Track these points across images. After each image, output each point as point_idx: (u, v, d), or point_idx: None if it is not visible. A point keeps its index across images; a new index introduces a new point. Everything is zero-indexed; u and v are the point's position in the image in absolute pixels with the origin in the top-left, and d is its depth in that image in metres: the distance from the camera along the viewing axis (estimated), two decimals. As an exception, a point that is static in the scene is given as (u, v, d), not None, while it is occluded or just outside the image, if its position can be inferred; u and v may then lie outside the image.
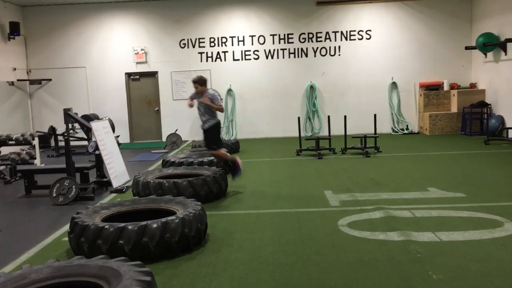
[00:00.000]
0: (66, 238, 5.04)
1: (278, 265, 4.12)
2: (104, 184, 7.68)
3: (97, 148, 8.81)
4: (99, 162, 7.82)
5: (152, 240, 4.24)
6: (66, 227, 5.51)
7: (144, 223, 4.31)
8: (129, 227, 4.26)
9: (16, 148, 11.04)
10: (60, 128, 12.48)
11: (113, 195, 7.21)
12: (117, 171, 7.89)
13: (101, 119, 8.59)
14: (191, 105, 7.08)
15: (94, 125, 7.73)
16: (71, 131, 12.48)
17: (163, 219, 4.39)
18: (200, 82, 6.91)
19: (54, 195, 6.74)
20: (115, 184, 7.56)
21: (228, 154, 7.20)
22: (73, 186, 6.79)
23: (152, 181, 6.30)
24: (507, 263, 3.96)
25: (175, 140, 12.45)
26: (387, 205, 5.81)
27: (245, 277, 3.90)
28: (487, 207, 5.62)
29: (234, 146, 11.12)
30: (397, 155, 9.85)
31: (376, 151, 10.20)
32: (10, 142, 9.46)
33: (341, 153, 10.25)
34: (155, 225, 4.29)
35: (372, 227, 5.02)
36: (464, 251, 4.25)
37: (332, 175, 8.04)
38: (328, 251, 4.42)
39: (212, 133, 6.99)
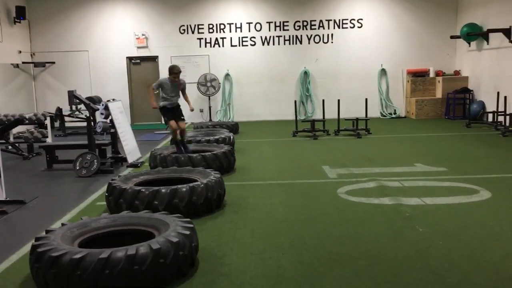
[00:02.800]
0: (100, 203, 5.75)
1: (290, 221, 4.88)
2: (119, 159, 8.33)
3: (104, 129, 9.45)
4: (114, 139, 8.46)
5: (181, 201, 4.96)
6: (96, 194, 6.24)
7: (174, 187, 5.02)
8: (162, 190, 4.97)
9: (23, 128, 11.61)
10: (66, 109, 13.05)
11: (130, 169, 7.88)
12: (131, 148, 8.55)
13: (114, 100, 9.16)
14: (154, 107, 7.72)
15: (110, 105, 8.34)
16: (76, 112, 13.07)
17: (191, 184, 5.11)
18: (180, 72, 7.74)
19: (77, 168, 7.39)
20: (130, 159, 8.23)
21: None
22: (95, 160, 7.45)
23: (168, 155, 6.99)
24: (480, 219, 4.77)
25: (176, 121, 13.04)
26: (379, 177, 6.59)
27: (263, 230, 4.64)
28: (466, 178, 6.44)
29: (234, 128, 11.80)
30: (386, 137, 10.66)
31: (367, 132, 10.99)
32: (25, 122, 9.97)
33: (335, 134, 11.02)
34: (184, 189, 5.01)
35: (367, 194, 5.80)
36: (445, 211, 5.05)
37: (328, 153, 8.81)
38: (331, 211, 5.18)
39: (179, 108, 7.82)
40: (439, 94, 14.00)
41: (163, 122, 13.99)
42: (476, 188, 5.92)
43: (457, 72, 14.14)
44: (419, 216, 4.90)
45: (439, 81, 13.99)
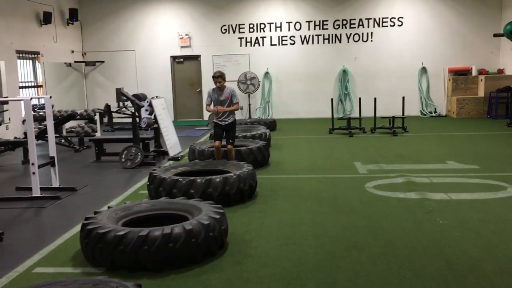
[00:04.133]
0: (142, 191, 6.25)
1: (315, 213, 5.17)
2: (161, 153, 8.87)
3: (148, 124, 10.01)
4: (157, 134, 9.00)
5: (215, 191, 5.35)
6: (139, 184, 6.75)
7: (209, 177, 5.43)
8: (198, 180, 5.38)
9: (74, 123, 12.40)
10: (114, 106, 13.80)
11: (170, 162, 8.38)
12: (172, 142, 9.06)
13: (157, 97, 9.71)
14: (217, 112, 7.03)
15: (153, 102, 8.88)
16: (123, 109, 13.80)
17: (224, 175, 5.50)
18: (223, 77, 6.92)
19: (123, 160, 7.97)
20: (171, 153, 8.74)
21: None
22: (139, 153, 8.00)
23: (206, 149, 7.43)
24: (502, 214, 4.89)
25: (216, 118, 13.55)
26: (409, 173, 6.75)
27: (290, 220, 4.96)
28: (496, 176, 6.49)
29: (271, 125, 12.14)
30: (423, 135, 10.69)
31: (403, 131, 11.05)
32: (77, 117, 10.74)
33: (371, 132, 11.15)
34: (218, 179, 5.40)
35: (393, 189, 6.00)
36: (469, 206, 5.19)
37: (361, 150, 8.99)
38: (357, 204, 5.43)
39: (233, 129, 7.12)
40: (481, 92, 13.77)
41: (205, 118, 14.60)
42: (504, 185, 5.99)
43: (500, 71, 13.86)
44: (442, 210, 5.07)
45: (481, 80, 13.76)
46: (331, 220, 4.90)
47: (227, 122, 7.04)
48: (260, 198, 5.81)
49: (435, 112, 14.45)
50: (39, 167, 6.02)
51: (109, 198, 6.01)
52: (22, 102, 11.85)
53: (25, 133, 10.20)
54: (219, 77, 6.88)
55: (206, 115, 14.74)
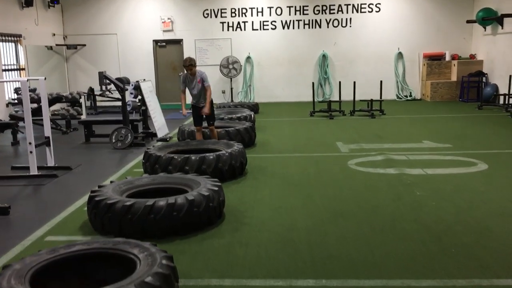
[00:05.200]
0: (137, 169, 6.52)
1: (303, 186, 5.56)
2: (150, 134, 9.11)
3: (134, 107, 10.21)
4: (145, 116, 9.22)
5: (209, 167, 5.67)
6: (132, 163, 7.01)
7: (203, 155, 5.75)
8: (192, 157, 5.70)
9: (57, 107, 12.46)
10: (97, 89, 13.87)
11: (159, 143, 8.61)
12: (160, 124, 9.31)
13: (144, 80, 9.89)
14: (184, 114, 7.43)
15: (141, 85, 9.09)
16: (107, 92, 13.90)
17: (217, 153, 5.83)
18: (194, 64, 7.11)
19: (113, 141, 8.19)
20: (159, 134, 8.99)
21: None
22: (129, 134, 8.23)
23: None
24: (473, 186, 5.37)
25: (200, 102, 13.79)
26: (387, 152, 7.20)
27: (280, 193, 5.34)
28: (468, 153, 7.01)
29: (254, 108, 12.45)
30: (399, 117, 11.19)
31: (381, 113, 11.53)
32: (63, 100, 10.83)
33: (350, 114, 11.59)
34: (211, 157, 5.73)
35: (374, 165, 6.44)
36: (443, 179, 5.67)
37: (342, 131, 9.42)
38: (341, 179, 5.85)
39: (210, 110, 7.28)
40: (454, 77, 14.37)
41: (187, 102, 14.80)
42: (475, 161, 6.49)
43: (472, 56, 14.47)
44: (419, 183, 5.52)
45: (454, 65, 14.34)
46: (317, 192, 5.30)
47: (203, 104, 7.25)
48: (250, 174, 6.16)
49: (410, 96, 15.00)
50: (35, 146, 6.22)
51: (104, 176, 6.26)
52: (4, 85, 11.87)
53: (11, 116, 10.28)
54: (189, 66, 7.05)
55: (189, 99, 14.93)
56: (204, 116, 7.32)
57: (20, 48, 12.67)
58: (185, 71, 7.23)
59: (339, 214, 4.57)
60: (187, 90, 7.36)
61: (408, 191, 5.24)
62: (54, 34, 14.47)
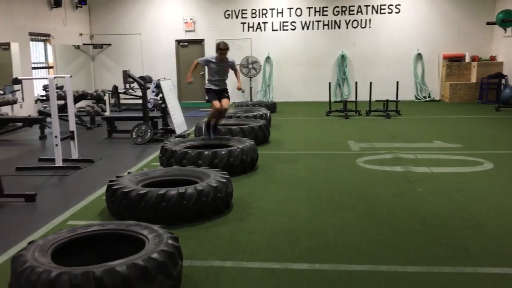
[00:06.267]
0: (154, 163, 6.88)
1: (310, 182, 5.82)
2: (169, 131, 9.49)
3: (155, 105, 10.60)
4: (164, 113, 9.61)
5: (221, 162, 5.99)
6: (150, 157, 7.39)
7: (215, 150, 6.06)
8: (205, 152, 6.02)
9: (83, 104, 12.99)
10: (121, 87, 14.37)
11: (177, 139, 8.99)
12: (179, 121, 9.68)
13: (165, 78, 10.29)
14: (189, 81, 7.41)
15: (162, 83, 9.48)
16: (130, 90, 14.39)
17: (229, 148, 6.13)
18: (228, 49, 7.22)
19: (134, 136, 8.59)
20: (178, 131, 9.36)
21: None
22: (149, 130, 8.62)
23: (212, 127, 8.04)
24: (475, 184, 5.53)
25: (219, 100, 14.15)
26: (397, 151, 7.39)
27: (287, 187, 5.61)
28: (476, 153, 7.13)
29: (272, 107, 12.73)
30: (415, 118, 11.30)
31: (396, 114, 11.65)
32: (88, 97, 11.34)
33: (366, 114, 11.75)
34: (223, 152, 6.04)
35: (381, 163, 6.64)
36: (447, 178, 5.84)
37: (355, 130, 9.62)
38: (347, 175, 6.08)
39: (226, 91, 7.49)
40: (473, 78, 14.35)
41: (206, 100, 15.18)
42: (482, 161, 6.63)
43: (492, 58, 14.41)
44: (422, 181, 5.71)
45: (474, 66, 14.32)
46: (323, 187, 5.55)
47: (224, 88, 7.42)
48: (261, 169, 6.45)
49: (429, 97, 15.04)
50: (60, 140, 6.65)
51: (124, 168, 6.63)
52: (33, 82, 12.46)
53: (39, 112, 10.83)
54: (225, 49, 7.11)
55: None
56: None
57: (49, 47, 13.26)
58: (215, 55, 7.17)
59: (340, 207, 4.81)
60: (206, 73, 7.41)
61: (411, 187, 5.44)
62: (81, 34, 15.05)
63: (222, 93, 7.40)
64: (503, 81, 13.63)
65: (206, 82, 7.73)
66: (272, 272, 3.42)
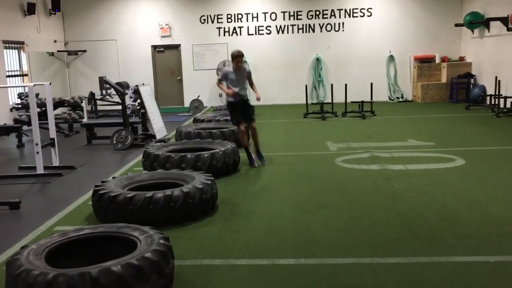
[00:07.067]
0: (137, 168, 6.93)
1: (292, 181, 5.99)
2: (149, 136, 9.53)
3: (133, 111, 10.62)
4: (144, 118, 9.65)
5: (204, 165, 6.09)
6: (132, 163, 7.44)
7: (198, 153, 6.17)
8: (188, 155, 6.12)
9: (58, 111, 12.87)
10: (98, 94, 14.30)
11: (158, 144, 9.04)
12: (158, 126, 9.72)
13: (143, 84, 10.31)
14: (234, 94, 6.87)
15: (141, 88, 9.52)
16: (107, 96, 14.33)
17: (211, 151, 6.25)
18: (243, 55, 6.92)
19: (114, 142, 8.61)
20: (158, 136, 9.41)
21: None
22: (129, 136, 8.65)
23: (192, 131, 8.15)
24: (448, 179, 5.80)
25: (197, 105, 14.26)
26: (373, 150, 7.63)
27: (270, 186, 5.77)
28: (448, 151, 7.43)
29: (250, 110, 12.87)
30: (389, 118, 11.62)
31: (372, 114, 11.96)
32: (65, 104, 11.27)
33: (342, 116, 12.02)
34: (206, 155, 6.15)
35: (359, 162, 6.86)
36: (422, 174, 6.09)
37: (333, 131, 9.85)
38: (327, 174, 6.27)
39: (249, 106, 7.14)
40: (444, 79, 14.82)
41: (185, 105, 15.21)
42: (454, 157, 6.92)
43: (461, 58, 14.92)
44: (399, 178, 5.95)
45: (444, 67, 14.80)
46: (305, 186, 5.72)
47: (242, 99, 6.92)
48: (243, 171, 6.58)
49: (402, 97, 15.45)
50: (41, 147, 6.64)
51: (106, 174, 6.66)
52: (8, 90, 12.31)
53: (15, 120, 10.70)
54: (241, 57, 6.82)
55: (187, 102, 15.40)
56: (245, 114, 7.00)
57: (23, 54, 13.11)
58: (229, 65, 6.86)
59: (322, 205, 4.99)
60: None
61: (388, 184, 5.67)
62: (55, 41, 14.92)
63: (245, 109, 6.98)
64: (472, 80, 14.12)
65: (226, 98, 7.41)
66: (260, 268, 3.55)
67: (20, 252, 3.13)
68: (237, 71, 6.90)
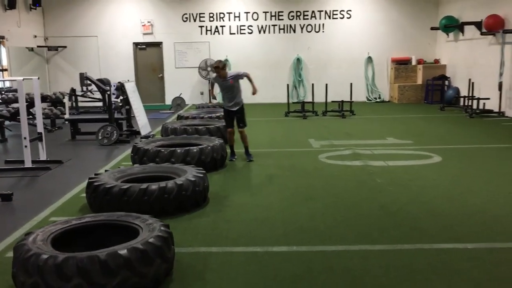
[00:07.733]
0: (125, 163, 7.03)
1: (278, 176, 6.20)
2: (133, 132, 9.60)
3: (116, 107, 10.66)
4: (129, 115, 9.72)
5: (193, 159, 6.25)
6: (119, 158, 7.52)
7: (187, 148, 6.32)
8: (178, 150, 6.27)
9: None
10: (78, 90, 14.23)
11: (143, 140, 9.13)
12: (143, 122, 9.81)
13: (128, 81, 10.37)
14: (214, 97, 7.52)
15: (126, 85, 9.58)
16: (88, 93, 14.28)
17: (200, 146, 6.41)
18: (222, 67, 6.87)
19: (100, 138, 8.67)
20: (143, 132, 9.50)
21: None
22: (115, 131, 8.72)
23: (179, 127, 8.28)
24: (426, 175, 6.11)
25: (179, 102, 14.35)
26: (354, 147, 7.91)
27: (258, 181, 5.97)
28: (425, 148, 7.78)
29: (232, 108, 13.05)
30: (368, 117, 11.98)
31: (351, 114, 12.29)
32: (47, 100, 11.21)
33: (322, 115, 12.32)
34: (195, 150, 6.31)
35: (342, 158, 7.13)
36: (402, 170, 6.39)
37: (314, 129, 10.12)
38: (311, 170, 6.51)
39: (242, 114, 7.18)
40: (419, 80, 15.30)
41: (167, 103, 15.27)
42: (431, 155, 7.26)
43: (436, 61, 15.43)
44: (380, 173, 6.23)
45: (420, 69, 15.28)
46: (291, 181, 5.94)
47: (235, 109, 7.08)
48: (230, 166, 6.77)
49: (379, 98, 15.87)
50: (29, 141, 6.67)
51: (94, 168, 6.73)
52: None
53: (-4, 115, 10.59)
54: (217, 68, 6.86)
55: (168, 100, 15.46)
56: (235, 119, 7.18)
57: (3, 49, 12.95)
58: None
59: (309, 198, 5.22)
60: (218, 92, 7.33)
61: (370, 179, 5.94)
62: (35, 36, 14.78)
63: (236, 115, 7.12)
64: (446, 82, 14.64)
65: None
66: (255, 255, 3.75)
67: (26, 238, 3.25)
68: (221, 80, 6.97)
